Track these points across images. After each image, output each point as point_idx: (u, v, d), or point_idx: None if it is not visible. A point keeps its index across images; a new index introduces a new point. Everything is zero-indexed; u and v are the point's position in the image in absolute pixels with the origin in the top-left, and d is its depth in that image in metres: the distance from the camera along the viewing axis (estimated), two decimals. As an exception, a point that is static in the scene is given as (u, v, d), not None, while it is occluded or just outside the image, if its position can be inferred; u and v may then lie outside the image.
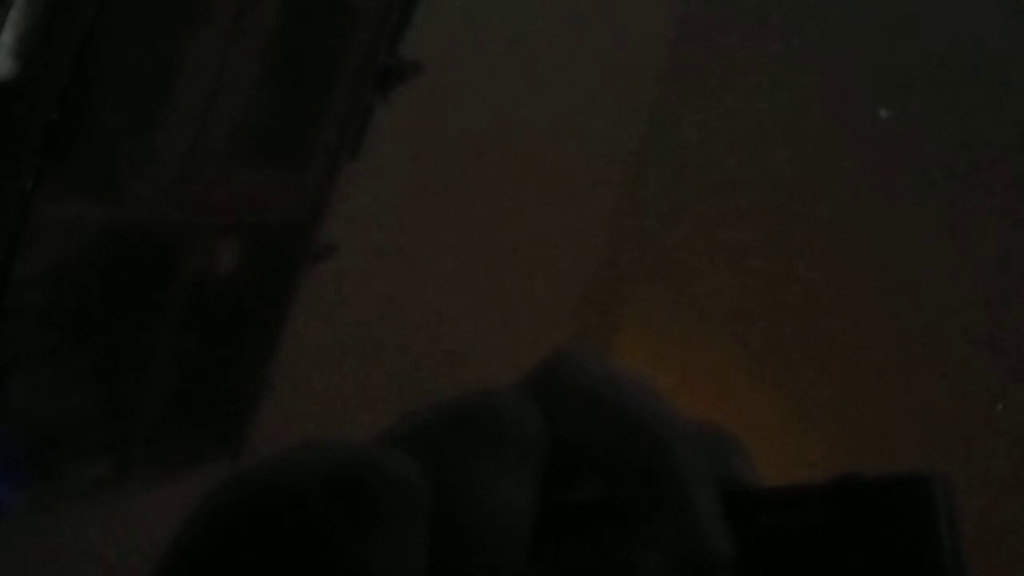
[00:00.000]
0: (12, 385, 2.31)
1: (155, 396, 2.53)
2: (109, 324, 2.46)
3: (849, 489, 0.29)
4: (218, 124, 2.25)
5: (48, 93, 1.90)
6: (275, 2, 2.29)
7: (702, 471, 0.30)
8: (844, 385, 3.86)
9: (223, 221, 2.47)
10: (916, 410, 3.69)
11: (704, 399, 3.94)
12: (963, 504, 0.29)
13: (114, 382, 2.50)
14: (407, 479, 0.27)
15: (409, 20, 2.72)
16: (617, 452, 0.30)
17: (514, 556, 0.28)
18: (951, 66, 3.73)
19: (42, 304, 2.32)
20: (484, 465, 0.29)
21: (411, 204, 3.23)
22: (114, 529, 2.63)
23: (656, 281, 4.34)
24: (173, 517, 0.28)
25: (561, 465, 0.30)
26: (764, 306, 4.05)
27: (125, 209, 2.19)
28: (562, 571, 0.29)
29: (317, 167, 2.56)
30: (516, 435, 0.29)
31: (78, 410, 2.46)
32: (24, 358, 2.31)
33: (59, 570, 2.56)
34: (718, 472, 0.31)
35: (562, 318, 4.35)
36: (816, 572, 0.29)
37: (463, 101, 3.22)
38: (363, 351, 3.33)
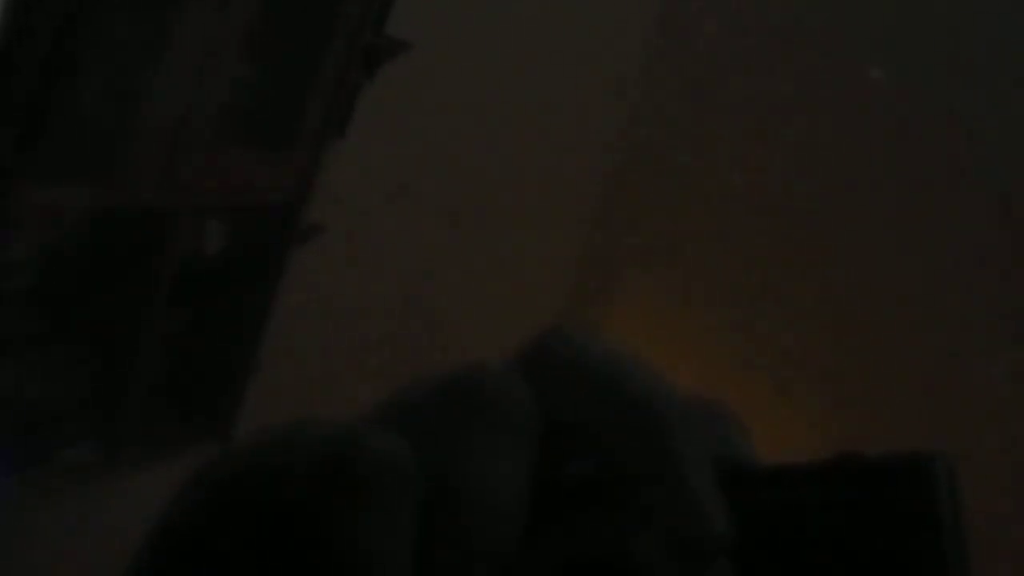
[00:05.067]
0: (0, 370, 2.30)
1: (143, 378, 2.53)
2: (97, 307, 2.45)
3: (850, 468, 0.29)
4: (204, 104, 2.25)
5: (31, 72, 1.89)
6: (260, -19, 2.28)
7: (698, 449, 0.30)
8: (838, 361, 3.88)
9: (210, 202, 2.47)
10: (914, 388, 3.71)
11: (698, 375, 3.95)
12: (967, 486, 0.28)
13: (102, 365, 2.50)
14: (394, 457, 0.26)
15: (395, -2, 2.71)
16: (611, 429, 0.30)
17: (505, 535, 0.27)
18: (942, 26, 3.73)
19: (29, 288, 2.31)
20: (474, 442, 0.28)
21: (398, 183, 3.23)
22: (104, 511, 2.63)
23: (648, 258, 4.35)
24: (162, 498, 0.28)
25: (554, 442, 0.30)
26: (755, 283, 4.06)
27: (111, 191, 2.18)
28: (555, 550, 0.29)
29: (304, 147, 2.55)
30: (506, 411, 0.29)
31: (67, 394, 2.46)
32: (12, 342, 2.31)
33: (50, 551, 2.56)
34: (715, 449, 0.31)
35: (554, 294, 4.36)
36: (815, 552, 0.28)
37: (450, 80, 3.22)
38: (351, 330, 3.34)
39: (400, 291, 3.47)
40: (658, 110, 4.30)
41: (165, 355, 2.61)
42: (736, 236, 4.10)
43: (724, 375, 4.00)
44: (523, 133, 3.70)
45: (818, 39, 3.94)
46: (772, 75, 4.03)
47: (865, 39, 3.84)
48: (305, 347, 3.14)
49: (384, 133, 3.01)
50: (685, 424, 0.30)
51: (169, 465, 2.64)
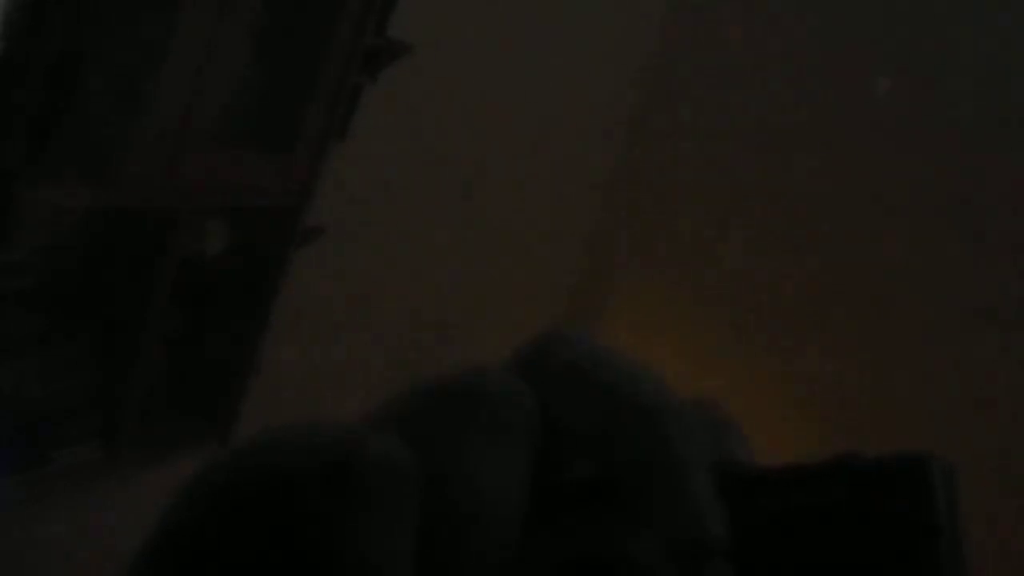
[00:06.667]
0: (1, 371, 2.30)
1: (143, 378, 2.52)
2: (97, 308, 2.45)
3: (847, 470, 0.29)
4: (206, 106, 2.24)
5: (35, 73, 1.89)
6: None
7: (697, 451, 0.30)
8: (838, 362, 3.88)
9: (211, 203, 2.47)
10: (915, 390, 3.71)
11: (695, 377, 3.95)
12: (964, 487, 0.28)
13: (103, 365, 2.50)
14: (394, 460, 0.26)
15: (396, 0, 2.71)
16: (609, 432, 0.30)
17: (504, 538, 0.27)
18: (951, 35, 3.72)
19: (29, 288, 2.31)
20: (474, 445, 0.28)
21: (400, 185, 3.22)
22: (104, 511, 2.63)
23: (646, 260, 4.35)
24: (162, 499, 0.28)
25: (554, 444, 0.30)
26: (755, 284, 4.06)
27: (113, 192, 2.18)
28: (554, 551, 0.29)
29: (305, 148, 2.55)
30: (506, 414, 0.29)
31: (67, 394, 2.46)
32: (12, 342, 2.31)
33: (50, 551, 2.56)
34: (713, 452, 0.31)
35: (552, 297, 4.36)
36: (813, 553, 0.28)
37: (452, 81, 3.22)
38: (351, 332, 3.33)
39: (400, 293, 3.46)
40: (660, 114, 4.30)
41: (165, 355, 2.61)
42: (736, 239, 4.10)
43: (723, 377, 3.99)
44: (524, 135, 3.70)
45: (825, 50, 3.94)
46: (776, 83, 4.02)
47: (872, 51, 3.84)
48: (305, 348, 3.14)
49: (386, 135, 3.01)
50: (684, 427, 0.30)
51: (169, 465, 2.64)
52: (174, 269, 2.43)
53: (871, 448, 0.30)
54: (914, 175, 3.73)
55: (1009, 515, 3.40)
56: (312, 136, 2.55)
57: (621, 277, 4.42)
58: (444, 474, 0.28)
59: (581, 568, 0.29)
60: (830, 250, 3.91)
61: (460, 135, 3.38)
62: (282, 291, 2.72)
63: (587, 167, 4.23)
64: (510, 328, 3.98)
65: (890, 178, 3.78)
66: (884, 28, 3.82)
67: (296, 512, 0.25)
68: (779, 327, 3.99)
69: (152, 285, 2.42)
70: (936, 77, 3.71)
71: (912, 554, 0.27)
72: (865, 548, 0.28)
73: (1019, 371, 3.53)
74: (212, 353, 2.74)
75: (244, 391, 2.80)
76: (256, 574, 0.25)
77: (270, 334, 2.77)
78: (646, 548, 0.29)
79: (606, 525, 0.29)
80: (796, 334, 3.96)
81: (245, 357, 2.75)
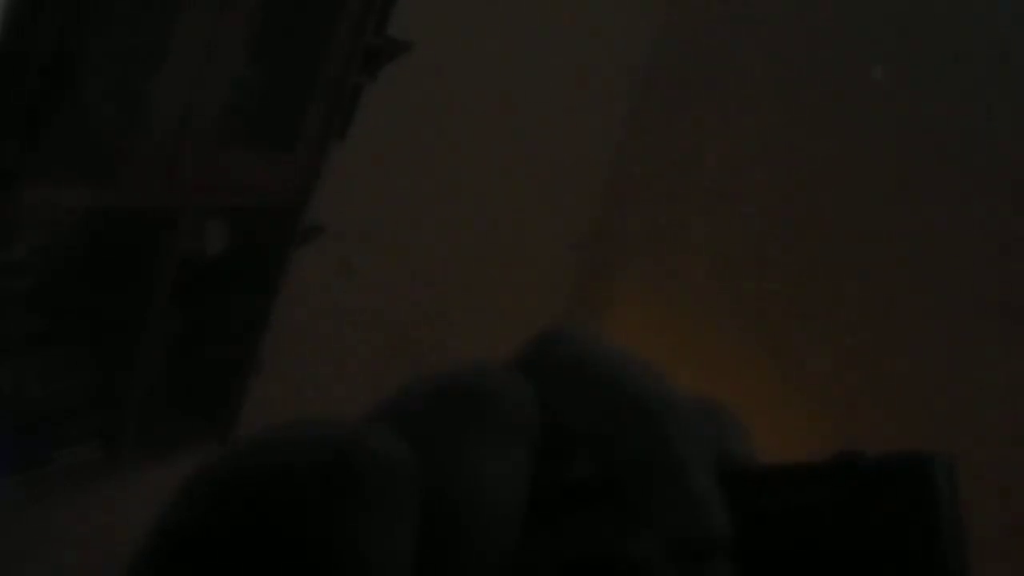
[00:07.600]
0: (1, 371, 2.30)
1: (143, 378, 2.52)
2: (97, 307, 2.45)
3: (848, 468, 0.29)
4: (206, 106, 2.24)
5: (32, 72, 1.89)
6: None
7: (698, 449, 0.29)
8: (840, 358, 3.88)
9: (211, 203, 2.47)
10: (915, 390, 3.71)
11: (698, 373, 3.95)
12: (964, 486, 0.28)
13: (103, 365, 2.50)
14: (395, 459, 0.26)
15: (396, 0, 2.71)
16: (611, 429, 0.29)
17: (505, 536, 0.27)
18: (945, 24, 3.72)
19: (29, 288, 2.31)
20: (474, 443, 0.28)
21: (400, 184, 3.22)
22: (104, 511, 2.63)
23: (646, 258, 4.35)
24: (162, 498, 0.27)
25: (555, 442, 0.30)
26: (757, 280, 4.05)
27: (113, 191, 2.18)
28: (555, 550, 0.29)
29: (305, 148, 2.55)
30: (506, 412, 0.29)
31: (67, 393, 2.46)
32: (12, 342, 2.31)
33: (50, 551, 2.56)
34: (715, 449, 0.31)
35: (553, 296, 4.36)
36: (815, 551, 0.28)
37: (451, 80, 3.22)
38: (351, 330, 3.33)
39: (400, 292, 3.47)
40: (658, 112, 4.30)
41: (165, 355, 2.61)
42: (735, 237, 4.10)
43: (724, 374, 3.99)
44: (524, 133, 3.70)
45: (823, 44, 3.94)
46: (773, 77, 4.02)
47: (867, 39, 3.84)
48: (305, 347, 3.14)
49: (385, 134, 3.00)
50: (685, 424, 0.30)
51: (169, 465, 2.64)
52: (174, 269, 2.42)
53: (871, 448, 0.30)
54: (915, 171, 3.73)
55: (1010, 514, 3.40)
56: (312, 136, 2.55)
57: (621, 276, 4.42)
58: (444, 473, 0.27)
59: (581, 568, 0.29)
60: (831, 249, 3.91)
61: (460, 135, 3.38)
62: (282, 291, 2.72)
63: (587, 167, 4.22)
64: (510, 327, 3.98)
65: (891, 175, 3.78)
66: (879, 19, 3.81)
67: (296, 511, 0.25)
68: (779, 326, 3.99)
69: (152, 285, 2.42)
70: (935, 65, 3.71)
71: (913, 553, 0.27)
72: (867, 547, 0.28)
73: (1020, 371, 3.53)
74: (212, 353, 2.74)
75: (244, 391, 2.80)
76: (255, 573, 0.25)
77: (270, 334, 2.77)
78: (646, 548, 0.29)
79: (606, 523, 0.29)
80: (797, 333, 3.96)
81: (245, 355, 2.75)
